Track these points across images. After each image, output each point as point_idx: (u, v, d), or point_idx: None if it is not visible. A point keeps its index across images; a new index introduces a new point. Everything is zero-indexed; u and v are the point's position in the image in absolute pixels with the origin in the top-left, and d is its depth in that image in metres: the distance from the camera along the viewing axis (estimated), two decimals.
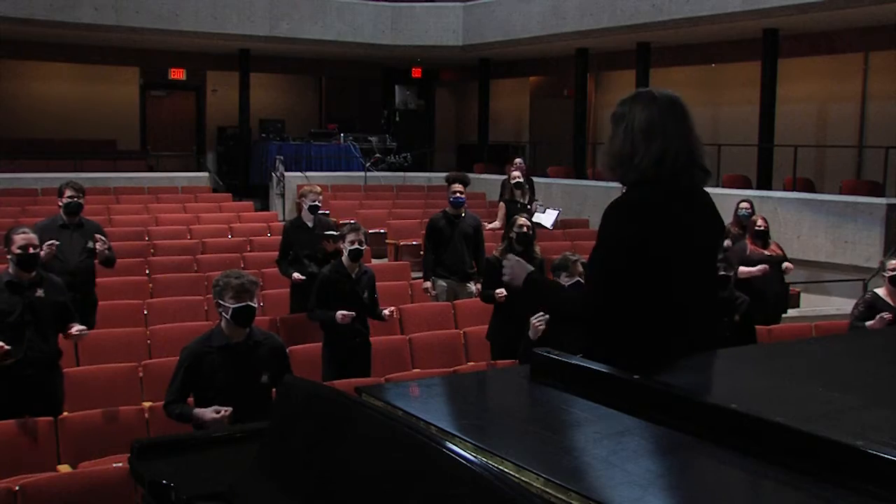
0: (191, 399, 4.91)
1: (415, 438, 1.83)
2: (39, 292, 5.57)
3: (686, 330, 2.75)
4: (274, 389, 4.96)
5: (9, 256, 5.57)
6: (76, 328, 5.60)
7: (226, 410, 4.60)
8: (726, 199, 12.72)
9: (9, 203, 13.83)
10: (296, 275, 7.87)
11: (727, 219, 10.05)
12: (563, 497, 1.64)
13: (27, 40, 17.51)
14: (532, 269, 2.95)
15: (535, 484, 1.69)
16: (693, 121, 2.85)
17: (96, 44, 17.94)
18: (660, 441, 2.01)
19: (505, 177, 12.68)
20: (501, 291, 6.81)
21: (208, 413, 4.62)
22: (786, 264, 8.93)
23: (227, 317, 4.81)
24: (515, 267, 2.94)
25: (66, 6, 15.59)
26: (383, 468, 1.86)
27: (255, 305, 4.88)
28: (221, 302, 4.82)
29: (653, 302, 2.69)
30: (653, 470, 1.91)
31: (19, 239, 5.53)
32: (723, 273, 6.66)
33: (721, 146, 15.75)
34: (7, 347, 5.24)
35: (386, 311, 6.90)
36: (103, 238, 7.25)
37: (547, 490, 1.67)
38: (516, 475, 1.74)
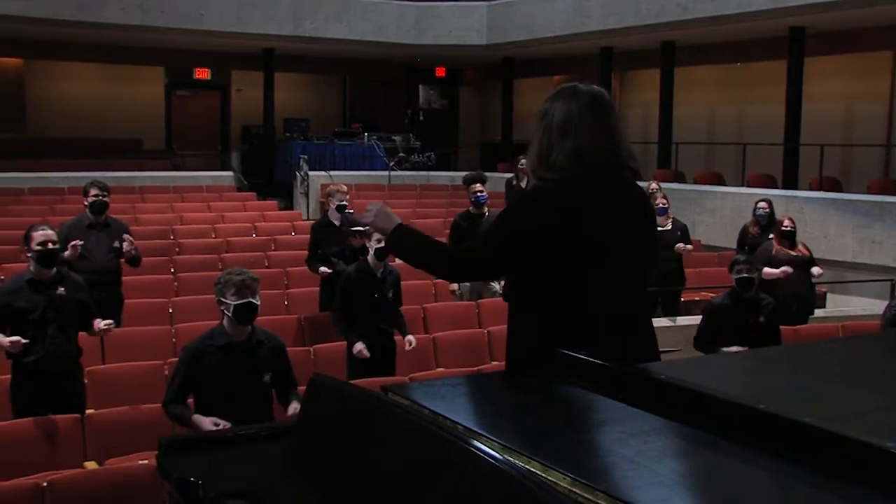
0: (191, 400, 4.91)
1: (442, 437, 1.82)
2: (61, 290, 5.61)
3: (599, 322, 2.71)
4: (274, 389, 4.97)
5: (29, 254, 5.61)
6: (103, 322, 5.63)
7: (224, 424, 4.54)
8: (751, 199, 12.69)
9: (36, 202, 13.97)
10: (322, 268, 7.89)
11: (747, 219, 10.10)
12: (590, 497, 1.63)
13: (54, 41, 17.66)
14: (399, 220, 2.88)
15: (561, 484, 1.69)
16: (616, 116, 2.86)
17: (122, 44, 18.06)
18: (687, 441, 2.00)
19: (511, 175, 12.61)
20: None
21: (206, 422, 4.58)
22: (818, 270, 8.85)
23: (229, 314, 4.79)
24: (380, 214, 2.87)
25: (93, 6, 15.70)
26: (410, 467, 1.86)
27: (257, 302, 4.85)
28: (223, 299, 4.80)
29: (562, 295, 2.71)
30: (680, 470, 1.90)
31: (38, 236, 5.56)
32: (746, 275, 6.63)
33: (746, 145, 15.69)
34: (24, 341, 5.29)
35: (407, 342, 6.83)
36: (130, 238, 7.30)
37: (574, 490, 1.66)
38: (543, 475, 1.73)
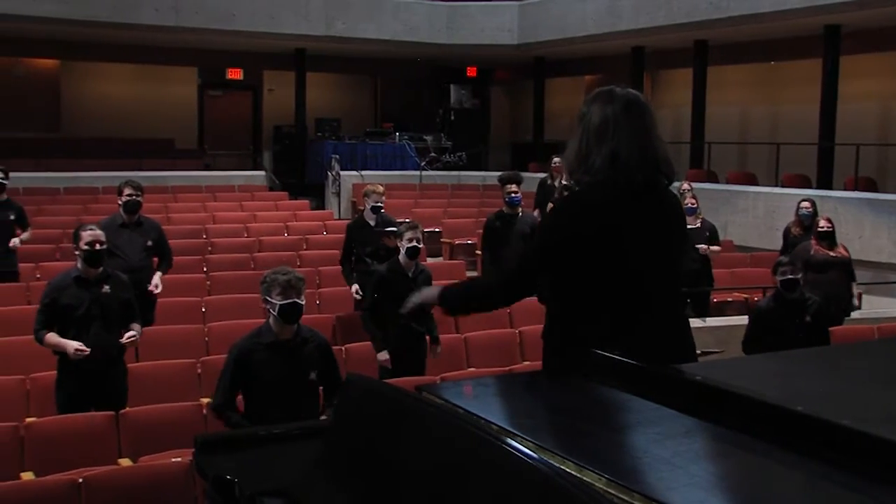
0: (240, 397, 4.95)
1: (478, 436, 1.82)
2: (106, 288, 5.71)
3: (637, 324, 2.75)
4: (321, 387, 5.00)
5: (77, 253, 5.72)
6: (127, 335, 5.73)
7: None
8: (784, 199, 12.60)
9: (71, 201, 14.12)
10: (354, 287, 7.87)
11: (789, 218, 10.01)
12: (626, 498, 1.62)
13: (89, 42, 17.83)
14: (432, 287, 3.09)
15: (597, 484, 1.68)
16: (652, 120, 2.88)
17: (156, 44, 18.21)
18: (722, 442, 1.99)
19: (545, 175, 12.58)
20: None
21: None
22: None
23: (275, 313, 4.83)
24: (419, 299, 3.03)
25: (128, 8, 15.84)
26: (446, 465, 1.86)
27: (302, 302, 4.89)
28: (269, 299, 4.85)
29: (598, 297, 2.75)
30: (716, 472, 1.89)
31: (87, 236, 5.67)
32: (790, 277, 6.58)
33: (780, 145, 15.55)
34: (87, 350, 5.42)
35: (433, 352, 6.84)
36: (157, 275, 7.46)
37: (609, 490, 1.66)
38: (577, 475, 1.73)
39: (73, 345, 5.43)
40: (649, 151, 2.80)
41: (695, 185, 11.70)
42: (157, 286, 7.42)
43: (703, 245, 9.31)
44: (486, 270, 8.68)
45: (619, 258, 2.73)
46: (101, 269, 5.73)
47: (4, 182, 8.73)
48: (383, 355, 6.56)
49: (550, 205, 11.44)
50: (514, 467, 1.67)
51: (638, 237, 2.76)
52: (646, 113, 2.85)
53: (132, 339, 5.76)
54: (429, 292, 3.04)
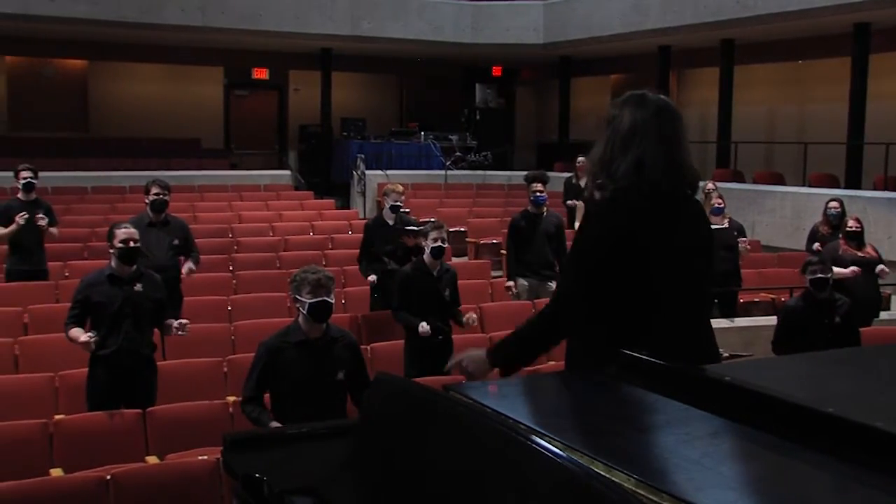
0: (267, 396, 4.96)
1: (507, 436, 1.82)
2: (138, 287, 5.75)
3: (656, 330, 2.73)
4: (348, 387, 5.00)
5: (111, 251, 5.76)
6: (176, 322, 5.78)
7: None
8: (812, 199, 12.50)
9: (99, 200, 14.23)
10: (371, 276, 7.94)
11: (817, 219, 9.93)
12: (655, 499, 1.61)
13: (117, 42, 17.98)
14: (478, 350, 2.96)
15: (626, 485, 1.67)
16: (682, 128, 2.86)
17: (182, 44, 18.32)
18: (752, 444, 1.97)
19: (570, 174, 12.57)
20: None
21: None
22: (880, 267, 8.68)
23: (304, 312, 4.84)
24: (466, 360, 2.93)
25: (155, 8, 15.96)
26: (475, 465, 1.85)
27: (332, 301, 4.89)
28: (298, 297, 4.86)
29: (627, 301, 2.73)
30: (746, 473, 1.87)
31: (121, 234, 5.72)
32: (819, 276, 6.52)
33: (808, 144, 15.43)
34: (95, 339, 5.44)
35: (466, 318, 6.89)
36: (188, 263, 7.61)
37: (638, 491, 1.65)
38: (606, 475, 1.72)
39: (83, 337, 5.46)
40: (675, 160, 2.79)
41: (721, 184, 11.63)
42: (190, 270, 7.63)
43: (744, 238, 9.34)
44: (511, 266, 8.68)
45: (639, 264, 2.72)
46: (134, 267, 5.77)
47: (34, 181, 8.81)
48: (423, 325, 6.57)
49: (576, 203, 11.46)
50: (545, 467, 1.66)
51: (660, 244, 2.75)
52: (675, 120, 2.84)
53: (182, 324, 5.79)
54: (477, 354, 2.93)
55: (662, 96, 2.88)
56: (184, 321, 5.85)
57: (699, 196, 3.11)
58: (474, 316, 7.03)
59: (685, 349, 2.74)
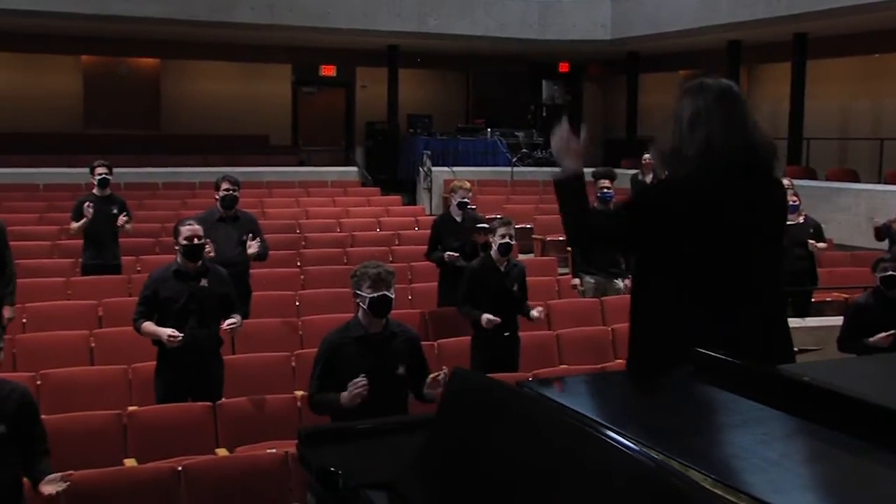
0: None
1: (581, 430, 1.80)
2: (204, 282, 5.82)
3: (736, 316, 2.69)
4: (410, 381, 4.99)
5: (177, 247, 5.85)
6: (227, 322, 5.81)
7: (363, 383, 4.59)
8: (888, 196, 12.21)
9: (170, 196, 14.48)
10: (448, 252, 7.91)
11: (883, 217, 9.68)
12: (733, 499, 1.58)
13: (187, 41, 18.28)
14: (577, 168, 2.88)
15: (703, 484, 1.64)
16: (746, 106, 2.84)
17: (251, 42, 18.56)
18: (831, 445, 1.93)
19: (636, 171, 12.42)
20: None
21: (344, 394, 4.63)
22: None
23: (364, 307, 4.84)
24: (563, 143, 2.87)
25: (225, 7, 16.18)
26: (549, 460, 1.84)
27: (392, 296, 4.88)
28: (359, 292, 4.86)
29: (695, 285, 2.70)
30: (826, 474, 1.83)
31: (185, 230, 5.79)
32: (890, 273, 6.37)
33: (884, 140, 15.07)
34: (179, 336, 5.52)
35: (534, 312, 6.86)
36: (257, 241, 7.43)
37: (715, 491, 1.62)
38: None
39: (166, 332, 5.55)
40: (746, 137, 2.76)
41: (793, 181, 11.41)
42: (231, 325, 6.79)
43: (812, 241, 9.11)
44: (577, 264, 8.64)
45: (716, 243, 2.69)
46: (199, 262, 5.84)
47: (109, 177, 8.99)
48: (486, 316, 6.55)
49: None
50: (620, 461, 1.64)
51: (737, 221, 2.72)
52: (739, 101, 2.83)
53: (233, 325, 5.82)
54: (565, 155, 2.89)
55: (723, 80, 2.88)
56: (233, 322, 5.84)
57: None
58: (542, 310, 7.00)
59: (763, 339, 2.71)
